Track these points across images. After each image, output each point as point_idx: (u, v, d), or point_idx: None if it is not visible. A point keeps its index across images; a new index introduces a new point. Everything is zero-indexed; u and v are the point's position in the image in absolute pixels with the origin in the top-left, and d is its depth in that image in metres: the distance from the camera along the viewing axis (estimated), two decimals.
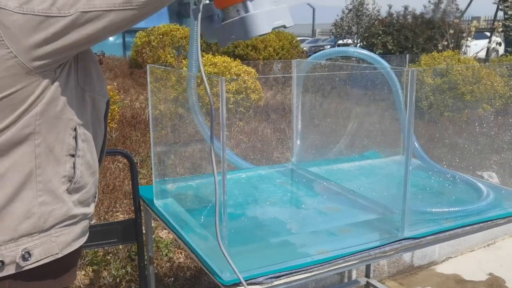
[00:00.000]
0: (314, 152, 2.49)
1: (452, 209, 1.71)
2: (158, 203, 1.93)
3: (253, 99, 4.57)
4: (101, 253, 2.73)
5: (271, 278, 1.36)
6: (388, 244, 1.55)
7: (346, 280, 2.82)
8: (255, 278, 1.34)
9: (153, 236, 2.87)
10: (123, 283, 2.50)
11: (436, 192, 1.98)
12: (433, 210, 1.70)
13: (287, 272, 1.38)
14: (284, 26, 1.34)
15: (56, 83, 1.05)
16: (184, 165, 1.95)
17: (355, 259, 1.48)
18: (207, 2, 1.44)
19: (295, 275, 1.39)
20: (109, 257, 2.72)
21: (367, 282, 2.75)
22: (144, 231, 2.12)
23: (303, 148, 2.31)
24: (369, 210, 1.70)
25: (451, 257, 3.27)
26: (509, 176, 2.45)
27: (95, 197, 1.28)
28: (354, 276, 2.83)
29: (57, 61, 1.04)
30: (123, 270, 2.61)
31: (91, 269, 2.61)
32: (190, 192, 1.66)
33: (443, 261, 3.23)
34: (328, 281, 2.77)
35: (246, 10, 1.33)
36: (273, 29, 1.31)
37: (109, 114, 1.63)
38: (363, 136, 2.62)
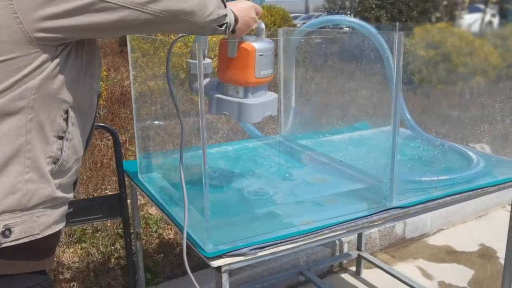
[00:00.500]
0: (303, 125, 2.45)
1: (441, 177, 1.68)
2: (142, 177, 1.89)
3: None
4: (90, 231, 2.70)
5: (255, 249, 1.33)
6: (375, 213, 1.52)
7: (337, 253, 2.81)
8: (238, 249, 1.31)
9: (142, 213, 2.84)
10: (112, 260, 2.48)
11: (425, 161, 1.94)
12: (422, 178, 1.67)
13: (271, 243, 1.35)
14: (271, 115, 1.49)
15: (56, 61, 1.04)
16: (168, 138, 1.90)
17: (342, 229, 1.46)
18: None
19: (280, 246, 1.36)
20: (98, 234, 2.70)
21: (359, 255, 2.74)
22: (130, 207, 2.09)
23: (292, 121, 2.27)
24: (357, 180, 1.67)
25: (443, 229, 3.27)
26: (501, 147, 2.42)
27: (75, 185, 1.26)
28: (345, 249, 2.82)
29: (58, 39, 1.03)
30: (112, 247, 2.59)
31: (79, 247, 2.59)
32: (174, 166, 1.62)
33: (435, 233, 3.23)
34: (320, 255, 2.76)
35: (245, 95, 1.41)
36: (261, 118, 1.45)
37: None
38: (354, 108, 2.59)
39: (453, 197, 1.65)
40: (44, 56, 1.02)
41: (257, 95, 1.44)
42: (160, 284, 2.42)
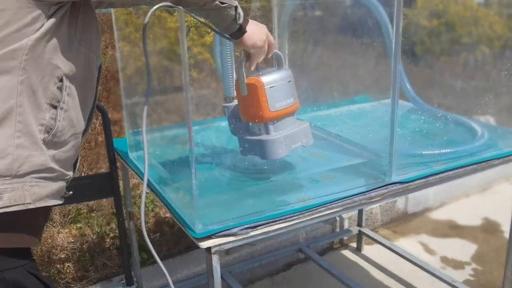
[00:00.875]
0: (299, 98, 2.37)
1: (443, 150, 1.60)
2: (132, 155, 1.82)
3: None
4: (85, 210, 2.65)
5: (246, 228, 1.26)
6: (374, 189, 1.45)
7: (338, 230, 2.76)
8: (229, 229, 1.25)
9: (138, 192, 2.79)
10: (107, 240, 2.43)
11: (427, 134, 1.86)
12: (423, 152, 1.60)
13: (264, 222, 1.29)
14: (303, 146, 1.44)
15: (49, 23, 1.02)
16: (156, 115, 1.83)
17: (338, 206, 1.39)
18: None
19: (273, 225, 1.30)
20: (93, 214, 2.65)
21: (359, 231, 2.69)
22: (122, 186, 2.03)
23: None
24: (355, 154, 1.59)
25: (445, 203, 3.21)
26: (507, 118, 2.33)
27: (76, 166, 1.23)
28: (346, 226, 2.77)
29: None
30: (108, 227, 2.54)
31: (75, 227, 2.54)
32: (162, 143, 1.55)
33: (437, 207, 3.17)
34: (320, 232, 2.71)
35: (267, 131, 1.38)
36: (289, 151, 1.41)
37: None
38: (354, 82, 2.49)
39: (455, 171, 1.58)
40: (36, 13, 0.99)
41: (282, 127, 1.40)
42: (157, 264, 2.37)
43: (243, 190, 1.44)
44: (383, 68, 2.42)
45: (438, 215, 3.08)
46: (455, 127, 1.92)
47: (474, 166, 1.62)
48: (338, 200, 1.39)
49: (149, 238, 2.39)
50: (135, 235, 2.08)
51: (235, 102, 1.53)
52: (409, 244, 2.76)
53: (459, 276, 2.45)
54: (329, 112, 2.18)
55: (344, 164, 1.54)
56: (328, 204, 1.37)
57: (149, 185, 1.58)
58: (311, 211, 1.35)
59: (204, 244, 1.23)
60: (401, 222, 3.00)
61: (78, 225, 2.53)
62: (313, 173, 1.51)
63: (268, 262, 2.48)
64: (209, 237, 1.24)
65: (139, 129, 1.84)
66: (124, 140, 1.91)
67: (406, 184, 1.49)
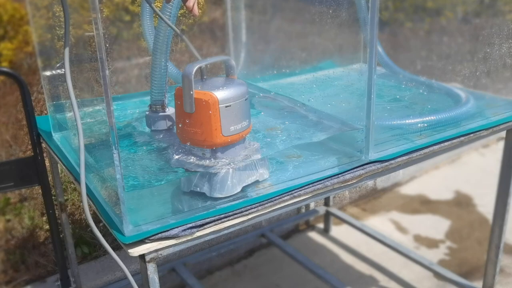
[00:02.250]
0: (258, 66, 2.08)
1: (427, 118, 1.35)
2: (56, 136, 1.50)
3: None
4: (15, 200, 2.30)
5: (191, 228, 0.98)
6: (349, 170, 1.19)
7: (303, 211, 2.52)
8: (167, 231, 0.96)
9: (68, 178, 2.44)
10: (41, 234, 2.10)
11: (406, 102, 1.61)
12: (404, 121, 1.34)
13: (213, 218, 1.00)
14: (257, 181, 1.14)
15: None
16: (81, 87, 1.50)
17: (306, 193, 1.12)
18: None
19: (225, 221, 1.02)
20: (26, 203, 2.30)
21: (327, 211, 2.46)
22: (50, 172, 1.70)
23: (244, 59, 1.89)
24: (325, 128, 1.33)
25: (415, 177, 3.02)
26: (473, 87, 2.13)
27: None
28: (312, 206, 2.53)
29: None
30: (44, 218, 2.20)
31: (2, 220, 2.19)
32: (86, 121, 1.24)
33: (407, 181, 2.98)
34: (283, 214, 2.45)
35: (215, 157, 1.08)
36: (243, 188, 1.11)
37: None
38: (317, 48, 2.22)
39: (441, 144, 1.34)
40: None
41: (232, 154, 1.10)
42: (101, 258, 2.07)
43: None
44: (347, 34, 2.16)
45: (409, 189, 2.89)
46: (435, 95, 1.67)
47: (461, 138, 1.38)
48: (306, 185, 1.12)
49: (86, 230, 2.08)
50: (69, 228, 1.77)
51: (166, 112, 1.23)
52: (379, 222, 2.55)
53: (434, 255, 2.27)
54: (292, 79, 1.90)
55: (312, 140, 1.27)
56: (294, 190, 1.10)
57: (72, 171, 1.27)
58: (273, 200, 1.07)
59: (136, 251, 0.94)
60: (370, 198, 2.79)
61: (6, 217, 2.18)
62: (274, 152, 1.24)
63: (228, 251, 2.21)
64: (142, 241, 0.95)
65: (63, 101, 1.51)
66: (46, 118, 1.57)
67: (387, 163, 1.24)
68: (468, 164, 3.18)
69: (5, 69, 1.53)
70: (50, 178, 1.70)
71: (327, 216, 2.46)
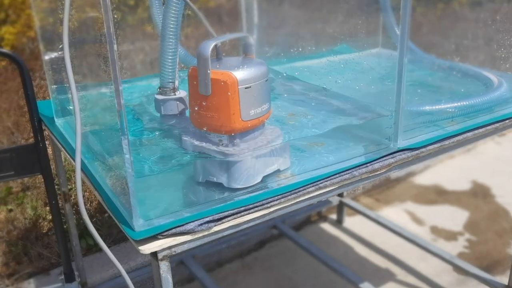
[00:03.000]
0: (274, 50, 1.97)
1: (459, 103, 1.25)
2: (59, 122, 1.40)
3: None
4: (18, 189, 2.21)
5: (208, 222, 0.88)
6: (377, 159, 1.09)
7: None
8: (182, 225, 0.86)
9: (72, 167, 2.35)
10: (44, 224, 2.01)
11: (432, 87, 1.50)
12: (435, 107, 1.24)
13: (232, 211, 0.91)
14: (278, 170, 1.02)
15: None
16: (86, 70, 1.40)
17: (333, 184, 1.02)
18: None
19: (245, 215, 0.92)
20: (29, 193, 2.21)
21: (340, 201, 2.36)
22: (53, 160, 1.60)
23: (257, 41, 1.78)
24: (349, 113, 1.22)
25: (429, 166, 2.92)
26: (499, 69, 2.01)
27: None
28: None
29: None
30: (46, 208, 2.11)
31: (4, 209, 2.10)
32: (91, 106, 1.14)
33: (421, 170, 2.87)
34: None
35: (232, 144, 0.96)
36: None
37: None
38: (330, 31, 2.10)
39: (475, 131, 1.23)
40: None
41: (252, 141, 0.99)
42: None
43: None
44: (365, 16, 2.04)
45: (423, 179, 2.79)
46: (463, 79, 1.56)
47: (495, 125, 1.27)
48: (333, 175, 1.02)
49: (96, 219, 1.99)
50: (73, 219, 1.68)
51: (178, 95, 1.11)
52: (394, 213, 2.46)
53: (453, 248, 2.17)
54: (308, 63, 1.79)
55: (336, 127, 1.17)
56: (320, 181, 1.00)
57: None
58: (296, 192, 0.97)
59: (147, 248, 0.84)
60: (384, 188, 2.69)
61: (8, 207, 2.09)
62: (296, 140, 1.13)
63: (238, 242, 2.12)
64: (154, 237, 0.86)
65: (66, 85, 1.40)
66: (49, 103, 1.47)
67: (417, 151, 1.13)
68: (484, 153, 3.07)
69: (3, 50, 1.43)
70: (53, 166, 1.60)
71: (340, 206, 2.37)
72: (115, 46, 0.78)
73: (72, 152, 1.21)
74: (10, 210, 2.08)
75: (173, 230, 0.86)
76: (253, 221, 0.94)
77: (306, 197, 0.99)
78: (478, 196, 2.60)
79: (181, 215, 0.90)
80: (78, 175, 0.88)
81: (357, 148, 1.13)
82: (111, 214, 0.95)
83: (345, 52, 1.97)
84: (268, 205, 0.94)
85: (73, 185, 2.12)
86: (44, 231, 2.00)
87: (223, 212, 0.89)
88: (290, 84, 1.47)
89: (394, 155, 1.11)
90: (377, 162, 1.08)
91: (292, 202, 0.97)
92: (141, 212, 0.89)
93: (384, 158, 1.09)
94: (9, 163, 1.51)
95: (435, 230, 2.31)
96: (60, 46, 1.44)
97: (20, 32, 3.37)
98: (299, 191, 0.97)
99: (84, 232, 1.97)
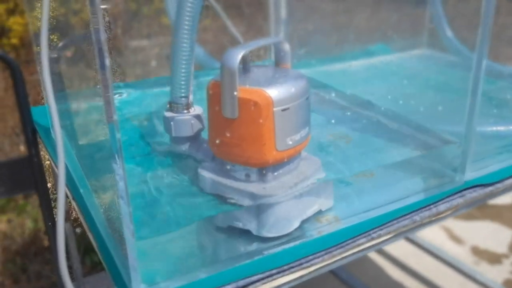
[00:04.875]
0: (302, 47, 1.74)
1: None
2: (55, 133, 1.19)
3: None
4: (20, 197, 2.03)
5: None
6: (442, 199, 0.86)
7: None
8: None
9: None
10: (45, 238, 1.83)
11: (496, 100, 1.26)
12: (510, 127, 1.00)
13: (261, 276, 0.69)
14: (320, 211, 0.83)
15: None
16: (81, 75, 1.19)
17: (389, 233, 0.80)
18: None
19: (278, 278, 0.70)
20: (32, 201, 2.03)
21: None
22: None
23: (285, 39, 1.55)
24: (405, 138, 0.99)
25: None
26: None
27: None
28: None
29: None
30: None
31: (4, 219, 1.92)
32: (77, 120, 0.94)
33: None
34: None
35: (262, 179, 0.77)
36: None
37: None
38: (364, 29, 1.86)
39: None
40: None
41: (288, 176, 0.78)
42: None
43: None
44: (406, 11, 1.81)
45: None
46: None
47: None
48: (389, 221, 0.80)
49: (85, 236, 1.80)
50: (73, 240, 1.48)
51: (192, 113, 0.90)
52: (429, 229, 2.22)
53: (498, 273, 1.94)
54: (343, 66, 1.56)
55: (388, 154, 0.94)
56: (373, 230, 0.78)
57: (68, 184, 0.97)
58: (344, 246, 0.75)
59: None
60: None
61: (9, 216, 1.91)
62: (339, 170, 0.91)
63: None
64: None
65: (63, 93, 1.20)
66: (44, 109, 1.27)
67: (491, 188, 0.90)
68: None
69: None
70: (51, 178, 1.41)
71: None
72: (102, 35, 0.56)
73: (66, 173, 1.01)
74: (9, 221, 1.90)
75: None
76: (288, 284, 0.72)
77: (356, 250, 0.77)
78: None
79: (196, 276, 0.69)
80: (61, 220, 0.67)
81: (414, 181, 0.91)
82: (106, 270, 0.74)
83: (383, 53, 1.73)
84: (308, 264, 0.72)
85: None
86: (45, 246, 1.82)
87: (250, 276, 0.68)
88: (323, 95, 1.24)
89: (463, 193, 0.88)
90: (442, 203, 0.85)
91: (338, 258, 0.76)
92: (143, 271, 0.68)
93: (451, 198, 0.87)
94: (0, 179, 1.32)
95: (476, 251, 2.08)
96: (60, 44, 1.23)
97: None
98: (347, 244, 0.76)
99: (88, 248, 1.79)
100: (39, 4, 1.08)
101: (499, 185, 0.91)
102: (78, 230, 1.57)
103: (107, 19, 0.56)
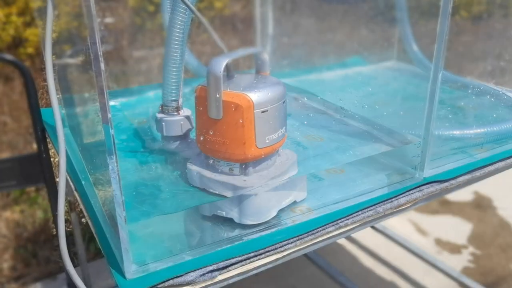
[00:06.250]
0: (284, 59, 1.75)
1: (492, 128, 1.03)
2: (65, 132, 1.19)
3: (217, 7, 3.67)
4: (32, 189, 2.02)
5: (211, 272, 0.67)
6: (403, 193, 0.87)
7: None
8: (182, 276, 0.66)
9: None
10: (54, 226, 1.82)
11: (453, 108, 1.28)
12: (468, 131, 1.02)
13: (240, 259, 0.70)
14: (295, 202, 0.84)
15: None
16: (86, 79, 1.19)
17: (355, 222, 0.81)
18: None
19: (255, 261, 0.71)
20: (42, 193, 2.02)
21: None
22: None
23: (271, 53, 1.57)
24: (372, 138, 1.01)
25: None
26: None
27: None
28: None
29: None
30: None
31: (17, 209, 1.91)
32: (81, 120, 0.94)
33: None
34: None
35: (245, 172, 0.77)
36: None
37: None
38: (343, 41, 1.88)
39: (506, 161, 1.01)
40: None
41: (266, 170, 0.79)
42: None
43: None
44: (379, 27, 1.82)
45: None
46: (483, 99, 1.34)
47: None
48: (355, 212, 0.81)
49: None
50: (79, 228, 1.48)
51: (182, 115, 0.89)
52: (398, 222, 2.24)
53: (458, 262, 1.95)
54: (321, 75, 1.57)
55: (356, 152, 0.95)
56: (340, 220, 0.79)
57: (71, 173, 0.98)
58: (315, 233, 0.76)
59: None
60: None
61: (23, 206, 1.90)
62: (312, 165, 0.92)
63: None
64: None
65: (70, 96, 1.20)
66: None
67: (446, 183, 0.92)
68: None
69: (6, 57, 1.23)
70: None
71: None
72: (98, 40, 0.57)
73: (70, 168, 1.01)
74: (22, 211, 1.89)
75: (171, 282, 0.65)
76: (264, 267, 0.73)
77: (325, 237, 0.78)
78: (481, 208, 2.37)
79: (182, 258, 0.70)
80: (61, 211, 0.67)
81: (379, 176, 0.92)
82: (102, 252, 0.74)
83: (358, 64, 1.75)
84: (282, 248, 0.73)
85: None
86: (54, 234, 1.81)
87: (230, 259, 0.69)
88: (302, 100, 1.25)
89: (421, 188, 0.89)
90: (402, 197, 0.86)
91: (309, 244, 0.77)
92: (135, 253, 0.68)
93: (410, 192, 0.88)
94: (11, 173, 1.32)
95: (439, 242, 2.10)
96: (70, 52, 1.23)
97: None
98: (317, 232, 0.76)
99: (93, 237, 1.78)
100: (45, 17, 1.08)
101: (453, 182, 0.92)
102: (83, 220, 1.57)
103: (106, 33, 0.57)
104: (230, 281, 0.71)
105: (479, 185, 2.55)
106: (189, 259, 0.69)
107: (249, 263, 0.70)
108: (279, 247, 0.73)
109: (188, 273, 0.66)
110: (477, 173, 0.95)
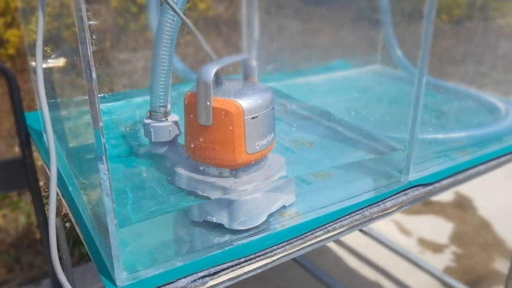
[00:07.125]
0: (270, 63, 1.76)
1: (474, 132, 1.05)
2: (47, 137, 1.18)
3: (200, 8, 3.66)
4: (13, 194, 1.99)
5: (202, 277, 0.68)
6: (389, 197, 0.89)
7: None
8: (173, 282, 0.66)
9: None
10: (37, 231, 1.79)
11: (437, 112, 1.31)
12: (451, 135, 1.04)
13: (230, 264, 0.70)
14: (284, 206, 0.84)
15: None
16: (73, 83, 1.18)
17: (343, 226, 0.82)
18: None
19: (246, 266, 0.72)
20: (25, 197, 1.99)
21: None
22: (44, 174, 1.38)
23: (256, 58, 1.57)
24: (358, 143, 1.02)
25: None
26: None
27: None
28: None
29: None
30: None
31: (0, 214, 1.88)
32: (67, 125, 0.93)
33: None
34: None
35: (235, 175, 0.78)
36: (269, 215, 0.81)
37: None
38: (325, 46, 1.90)
39: (488, 164, 1.04)
40: None
41: (255, 175, 0.80)
42: None
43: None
44: (363, 31, 1.85)
45: None
46: (466, 103, 1.37)
47: (508, 156, 1.08)
48: (343, 216, 0.82)
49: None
50: (63, 233, 1.46)
51: (170, 121, 0.89)
52: (382, 223, 2.27)
53: (440, 261, 1.99)
54: (305, 79, 1.59)
55: (344, 157, 0.97)
56: (329, 224, 0.80)
57: (59, 183, 0.96)
58: (303, 237, 0.77)
59: None
60: None
61: (4, 211, 1.87)
62: (301, 169, 0.93)
63: None
64: None
65: (55, 100, 1.18)
66: (37, 114, 1.25)
67: (430, 187, 0.94)
68: None
69: None
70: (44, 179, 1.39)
71: None
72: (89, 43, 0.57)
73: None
74: (3, 216, 1.86)
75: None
76: (254, 271, 0.74)
77: (314, 241, 0.79)
78: (461, 207, 2.42)
79: (173, 264, 0.70)
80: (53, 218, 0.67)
81: (365, 181, 0.94)
82: (92, 260, 0.74)
83: (343, 68, 1.77)
84: (272, 253, 0.74)
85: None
86: (37, 238, 1.78)
87: (220, 264, 0.69)
88: (289, 105, 1.26)
89: (407, 191, 0.91)
90: (388, 200, 0.88)
91: (298, 248, 0.77)
92: (125, 261, 0.68)
93: (396, 196, 0.89)
94: None
95: (422, 242, 2.13)
96: (53, 55, 1.21)
97: None
98: (306, 236, 0.77)
99: (77, 241, 1.76)
100: (35, 19, 1.07)
101: (437, 185, 0.94)
102: (67, 224, 1.55)
103: (94, 36, 0.57)
104: (221, 287, 0.71)
105: (460, 185, 2.60)
106: (180, 265, 0.69)
107: (240, 268, 0.71)
108: (269, 252, 0.73)
109: (179, 279, 0.66)
110: (460, 176, 0.98)
